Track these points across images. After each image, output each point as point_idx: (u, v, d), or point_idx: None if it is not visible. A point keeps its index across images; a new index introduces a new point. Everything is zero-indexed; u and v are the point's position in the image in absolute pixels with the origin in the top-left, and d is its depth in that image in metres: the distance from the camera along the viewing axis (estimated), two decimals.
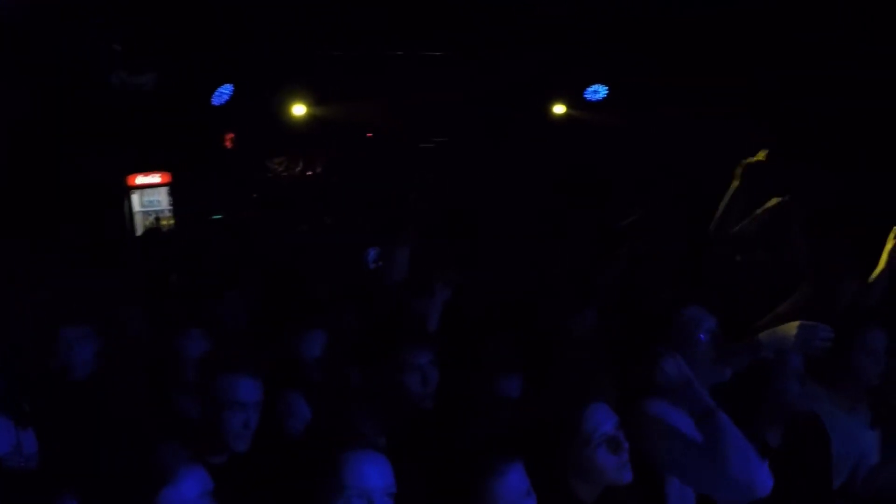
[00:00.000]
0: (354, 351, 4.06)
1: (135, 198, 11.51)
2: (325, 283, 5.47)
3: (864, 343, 3.84)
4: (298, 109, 9.28)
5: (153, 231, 9.44)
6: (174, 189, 11.09)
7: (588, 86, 9.70)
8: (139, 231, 10.99)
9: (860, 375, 3.86)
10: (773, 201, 4.63)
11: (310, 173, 10.90)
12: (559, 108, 9.96)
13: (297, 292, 5.40)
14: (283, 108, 9.24)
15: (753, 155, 4.69)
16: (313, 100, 9.29)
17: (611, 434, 2.74)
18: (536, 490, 2.58)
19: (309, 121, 9.34)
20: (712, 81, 7.78)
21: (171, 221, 10.95)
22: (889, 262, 4.40)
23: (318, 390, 3.54)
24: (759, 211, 4.69)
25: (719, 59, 7.60)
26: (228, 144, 9.97)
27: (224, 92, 8.58)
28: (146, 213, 11.50)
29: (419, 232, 5.31)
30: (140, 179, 11.42)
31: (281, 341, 3.82)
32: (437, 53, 8.73)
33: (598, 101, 9.75)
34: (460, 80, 8.79)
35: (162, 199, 11.48)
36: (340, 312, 4.55)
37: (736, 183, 4.62)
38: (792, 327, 3.37)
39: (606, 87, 9.66)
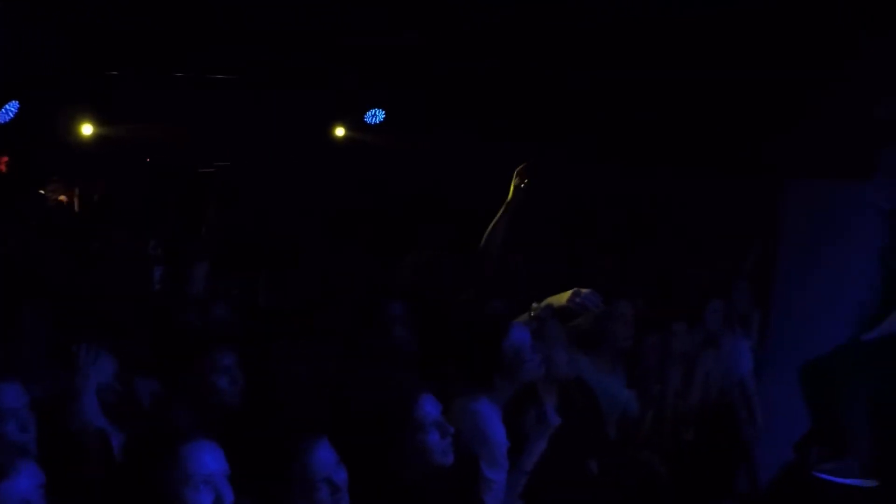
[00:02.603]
0: (157, 359, 4.26)
1: None
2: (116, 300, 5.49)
3: (613, 311, 4.53)
4: (87, 129, 9.10)
5: None
6: None
7: (367, 110, 10.20)
8: None
9: (613, 340, 4.56)
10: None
11: (95, 199, 10.56)
12: (340, 131, 10.42)
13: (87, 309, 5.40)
14: (70, 127, 9.02)
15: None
16: (101, 120, 9.15)
17: (440, 420, 3.16)
18: (358, 474, 2.92)
19: (96, 141, 9.17)
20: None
21: None
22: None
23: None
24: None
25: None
26: (2, 168, 9.54)
27: (10, 109, 8.28)
28: None
29: (216, 247, 5.57)
30: None
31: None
32: (221, 77, 8.88)
33: (377, 125, 10.28)
34: (243, 104, 8.99)
35: None
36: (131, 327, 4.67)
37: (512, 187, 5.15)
38: (565, 294, 3.97)
39: (384, 112, 10.20)
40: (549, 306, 3.98)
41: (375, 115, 10.20)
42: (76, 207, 10.52)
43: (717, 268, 6.51)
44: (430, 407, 3.22)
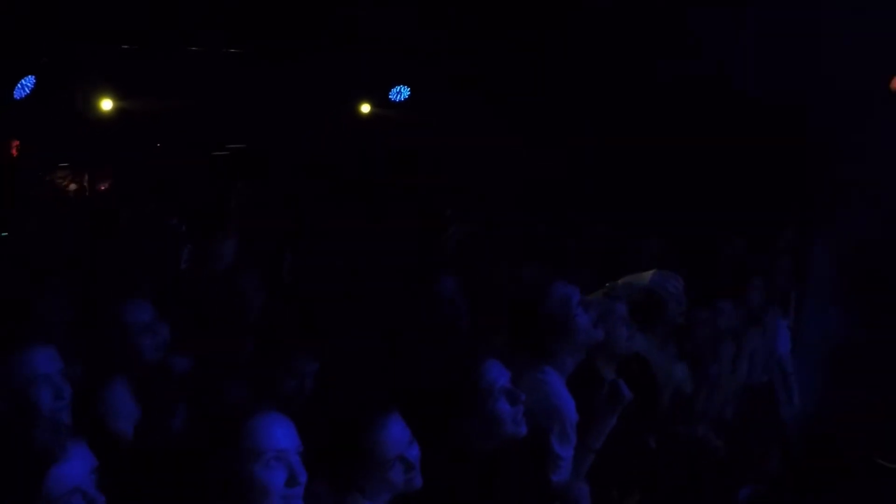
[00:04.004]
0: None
1: None
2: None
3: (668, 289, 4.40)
4: (106, 104, 8.92)
5: None
6: None
7: (392, 87, 10.04)
8: None
9: (667, 316, 4.45)
10: None
11: (103, 188, 10.43)
12: (365, 108, 10.28)
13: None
14: (88, 103, 8.84)
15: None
16: (119, 95, 8.98)
17: (508, 387, 2.99)
18: (429, 448, 2.73)
19: (115, 118, 9.01)
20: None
21: None
22: None
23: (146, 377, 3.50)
24: None
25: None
26: (14, 153, 9.36)
27: (26, 85, 8.07)
28: None
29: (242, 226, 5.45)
30: None
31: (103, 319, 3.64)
32: (240, 51, 8.74)
33: (402, 102, 10.12)
34: (264, 80, 8.85)
35: None
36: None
37: None
38: (646, 274, 3.83)
39: (409, 89, 10.04)
40: (629, 285, 3.84)
41: (400, 93, 10.08)
42: (87, 192, 10.43)
43: (756, 246, 6.47)
44: (496, 373, 2.99)
